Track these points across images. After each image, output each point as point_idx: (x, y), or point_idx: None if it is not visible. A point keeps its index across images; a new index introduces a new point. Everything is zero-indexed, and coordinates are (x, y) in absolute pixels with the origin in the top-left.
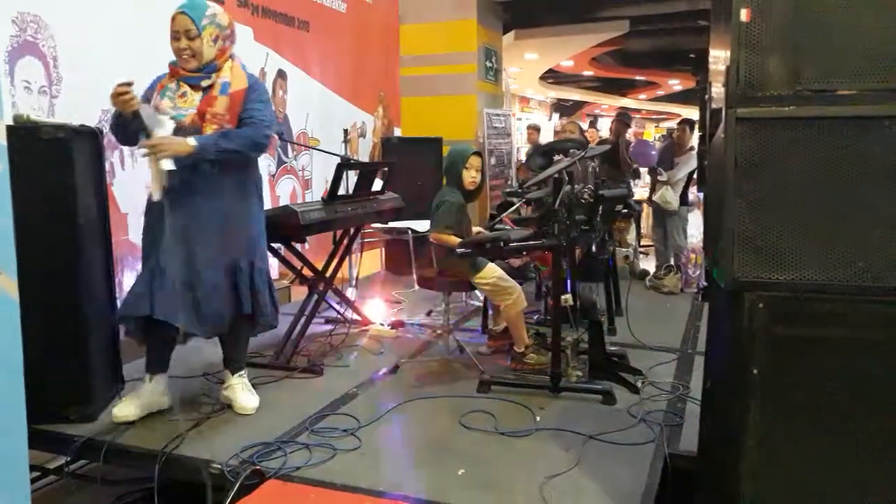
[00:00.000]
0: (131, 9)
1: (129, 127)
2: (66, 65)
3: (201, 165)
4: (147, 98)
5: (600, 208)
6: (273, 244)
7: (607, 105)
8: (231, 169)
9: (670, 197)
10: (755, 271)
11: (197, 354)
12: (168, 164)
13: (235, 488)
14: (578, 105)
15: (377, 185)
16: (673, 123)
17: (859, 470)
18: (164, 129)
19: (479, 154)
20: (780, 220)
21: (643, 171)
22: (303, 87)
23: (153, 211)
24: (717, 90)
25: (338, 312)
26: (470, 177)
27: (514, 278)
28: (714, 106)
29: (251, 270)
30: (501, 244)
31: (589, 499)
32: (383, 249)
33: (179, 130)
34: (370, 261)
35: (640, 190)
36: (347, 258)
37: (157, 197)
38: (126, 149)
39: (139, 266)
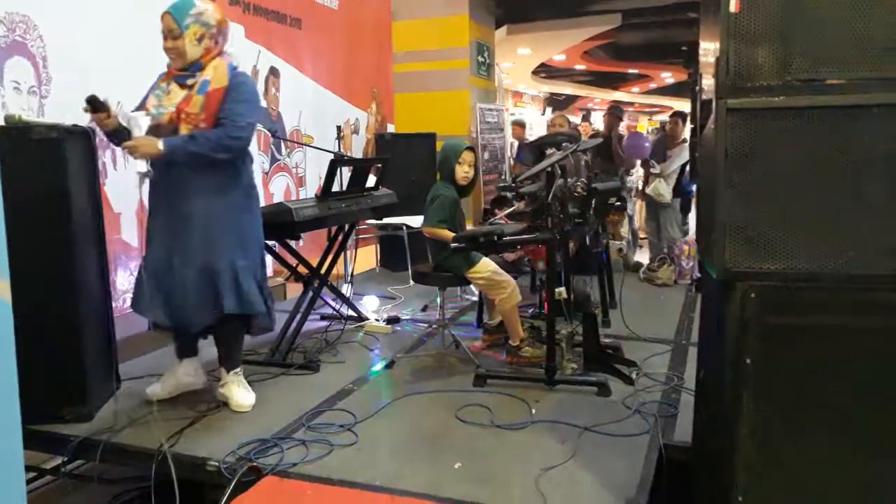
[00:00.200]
0: (120, 8)
1: (113, 134)
2: (55, 65)
3: (177, 166)
4: (147, 96)
5: (593, 201)
6: (268, 241)
7: (600, 99)
8: (205, 169)
9: (663, 189)
10: (746, 261)
11: None
12: (141, 167)
13: (232, 485)
14: (571, 99)
15: (371, 181)
16: (665, 116)
17: (853, 458)
18: (140, 129)
19: (471, 149)
20: (771, 210)
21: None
22: (295, 84)
23: (150, 210)
24: (708, 82)
25: (333, 309)
26: (463, 172)
27: (509, 272)
28: (704, 97)
29: (232, 270)
30: (495, 238)
31: (585, 490)
32: (378, 245)
33: (157, 128)
34: (365, 257)
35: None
36: (342, 255)
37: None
38: (118, 149)
39: (132, 265)
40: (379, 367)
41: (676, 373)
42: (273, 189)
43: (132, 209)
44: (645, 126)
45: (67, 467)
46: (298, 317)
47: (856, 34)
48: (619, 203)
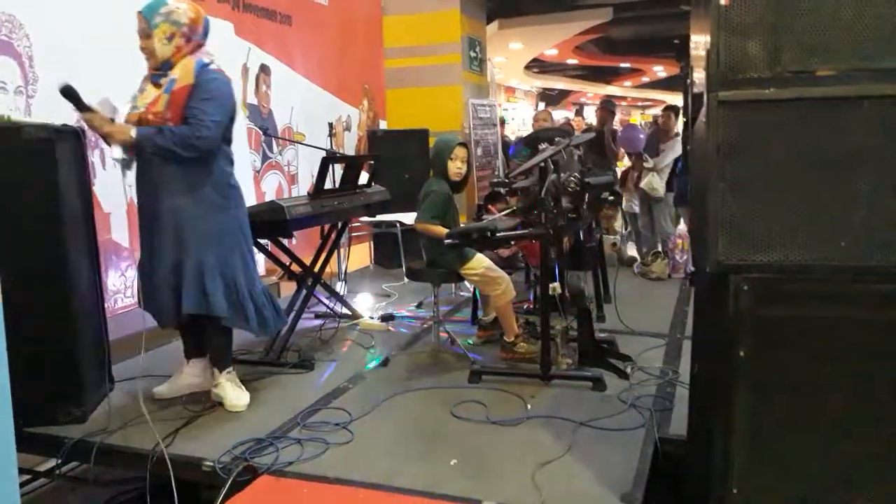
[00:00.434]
0: (106, 7)
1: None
2: (41, 64)
3: (153, 167)
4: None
5: (587, 196)
6: (260, 240)
7: (593, 93)
8: (176, 168)
9: (657, 183)
10: (739, 254)
11: None
12: (115, 153)
13: (227, 485)
14: (564, 94)
15: (363, 178)
16: (658, 110)
17: (848, 449)
18: (113, 114)
19: (464, 145)
20: (763, 202)
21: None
22: (287, 81)
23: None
24: (699, 75)
25: (327, 307)
26: (455, 167)
27: (503, 269)
28: (696, 90)
29: (198, 269)
30: (488, 234)
31: (581, 484)
32: (371, 243)
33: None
34: (358, 255)
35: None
36: (336, 252)
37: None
38: (107, 148)
39: (124, 265)
40: (374, 364)
41: (671, 367)
42: (265, 187)
43: (122, 209)
44: (638, 120)
45: (62, 469)
46: (292, 315)
47: (846, 26)
48: (612, 197)
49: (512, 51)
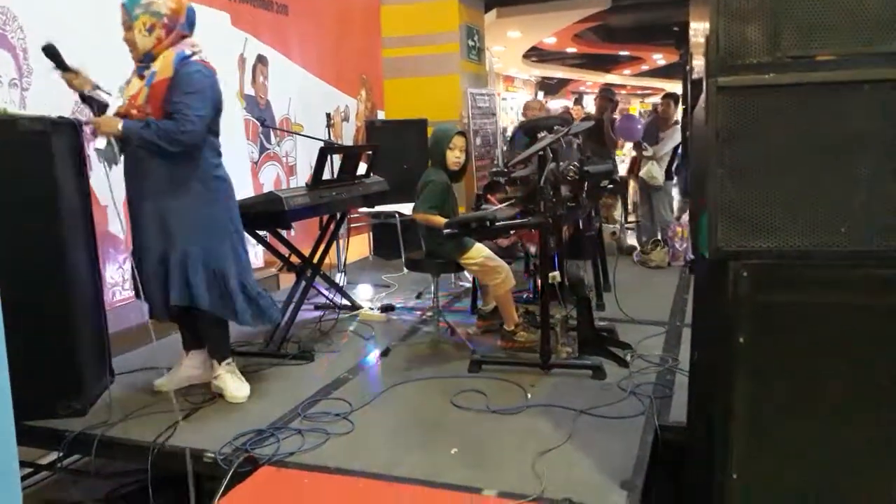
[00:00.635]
0: None
1: (85, 100)
2: (36, 56)
3: (140, 160)
4: None
5: (586, 185)
6: (259, 231)
7: (592, 82)
8: (161, 161)
9: (656, 172)
10: (739, 240)
11: None
12: (99, 143)
13: (228, 476)
14: (563, 82)
15: (362, 168)
16: (658, 98)
17: (847, 435)
18: (110, 108)
19: (462, 134)
20: (763, 188)
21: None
22: (284, 72)
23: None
24: (699, 62)
25: (327, 298)
26: (454, 157)
27: (503, 258)
28: (695, 77)
29: (182, 262)
30: (487, 223)
31: (581, 472)
32: (370, 234)
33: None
34: (358, 245)
35: (626, 166)
36: (335, 243)
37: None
38: (92, 138)
39: (121, 258)
40: (374, 355)
41: (671, 354)
42: (263, 178)
43: (119, 202)
44: (637, 108)
45: (63, 462)
46: (292, 307)
47: (846, 9)
48: (611, 186)
49: (510, 39)
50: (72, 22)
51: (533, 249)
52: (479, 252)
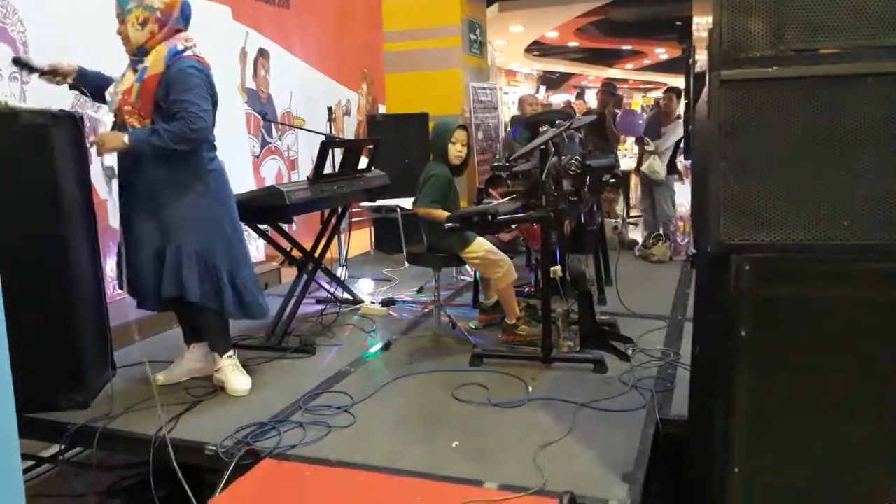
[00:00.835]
0: None
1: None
2: (36, 50)
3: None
4: None
5: (588, 179)
6: (260, 225)
7: (594, 76)
8: (154, 157)
9: (658, 166)
10: (741, 233)
11: None
12: (108, 160)
13: (230, 469)
14: (565, 77)
15: (363, 162)
16: (660, 93)
17: (849, 429)
18: (106, 126)
19: (464, 128)
20: (765, 181)
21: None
22: (285, 65)
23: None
24: (701, 56)
25: (328, 292)
26: (455, 151)
27: (504, 252)
28: (698, 70)
29: (177, 255)
30: (489, 217)
31: (582, 465)
32: (372, 228)
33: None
34: (359, 239)
35: (628, 160)
36: (336, 237)
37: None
38: (97, 158)
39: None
40: (375, 348)
41: (672, 348)
42: (264, 172)
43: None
44: (639, 103)
45: (65, 455)
46: (293, 300)
47: (849, 3)
48: (613, 180)
49: (512, 33)
50: (71, 15)
51: (536, 248)
52: (481, 246)
